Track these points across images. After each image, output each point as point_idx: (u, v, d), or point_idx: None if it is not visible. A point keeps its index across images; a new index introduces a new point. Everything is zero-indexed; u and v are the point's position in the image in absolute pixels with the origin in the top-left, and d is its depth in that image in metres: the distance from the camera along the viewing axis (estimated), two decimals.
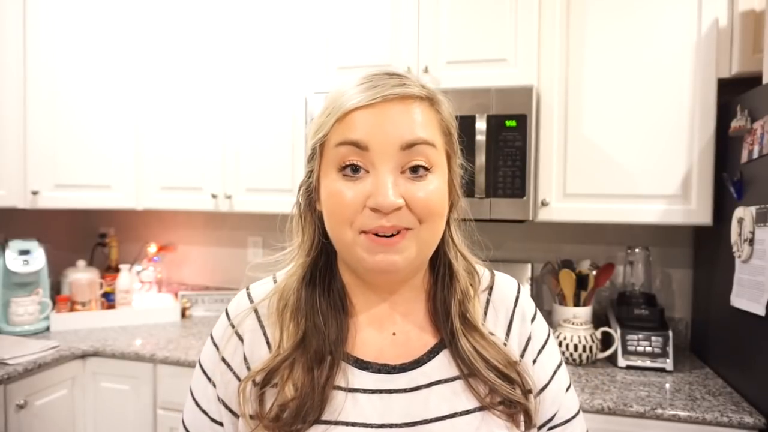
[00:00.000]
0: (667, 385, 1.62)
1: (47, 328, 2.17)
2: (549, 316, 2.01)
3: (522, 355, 0.71)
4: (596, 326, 1.87)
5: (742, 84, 1.67)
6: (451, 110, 0.68)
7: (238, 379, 0.68)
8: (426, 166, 0.62)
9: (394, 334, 0.69)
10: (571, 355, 1.79)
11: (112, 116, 2.26)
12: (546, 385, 0.72)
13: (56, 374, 1.90)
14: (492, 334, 0.70)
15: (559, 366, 0.75)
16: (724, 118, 1.66)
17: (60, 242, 2.51)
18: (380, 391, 0.65)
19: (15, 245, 2.16)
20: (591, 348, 1.80)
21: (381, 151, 0.61)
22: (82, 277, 2.30)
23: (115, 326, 2.26)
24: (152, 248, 2.60)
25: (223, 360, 0.69)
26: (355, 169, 0.61)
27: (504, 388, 0.65)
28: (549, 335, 0.76)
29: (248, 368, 0.67)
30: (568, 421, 0.74)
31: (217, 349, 0.71)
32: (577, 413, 0.76)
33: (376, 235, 0.61)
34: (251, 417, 0.64)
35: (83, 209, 2.32)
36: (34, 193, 2.10)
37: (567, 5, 1.82)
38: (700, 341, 1.92)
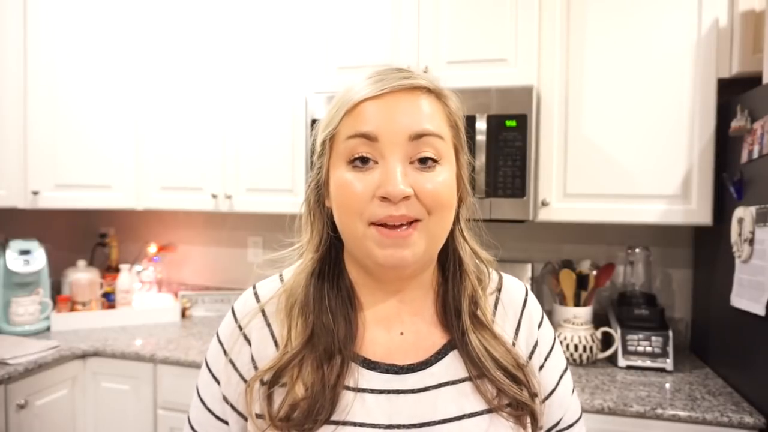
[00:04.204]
0: (667, 385, 1.63)
1: (47, 328, 2.17)
2: (549, 316, 1.99)
3: (529, 359, 0.71)
4: (596, 326, 1.87)
5: (742, 84, 1.67)
6: (459, 105, 0.68)
7: (244, 380, 0.67)
8: (434, 157, 0.62)
9: (402, 333, 0.69)
10: (572, 355, 1.79)
11: (112, 116, 2.26)
12: (553, 390, 0.73)
13: (56, 374, 1.90)
14: (502, 334, 0.70)
15: (564, 371, 0.76)
16: (724, 118, 1.66)
17: (60, 242, 2.51)
18: (388, 392, 0.64)
19: (15, 245, 2.16)
20: (591, 348, 1.80)
21: (390, 141, 0.61)
22: (82, 277, 2.30)
23: (116, 326, 2.26)
24: (152, 248, 2.60)
25: (230, 361, 0.69)
26: (365, 160, 0.62)
27: (512, 389, 0.65)
28: (555, 340, 0.76)
29: (256, 368, 0.67)
30: (572, 424, 0.75)
31: (223, 348, 0.71)
32: (581, 416, 0.76)
33: (386, 226, 0.61)
34: (258, 416, 0.64)
35: (83, 209, 2.32)
36: (35, 193, 2.10)
37: (567, 5, 1.82)
38: (700, 341, 1.92)
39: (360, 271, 0.69)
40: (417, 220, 0.61)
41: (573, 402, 0.76)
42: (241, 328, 0.70)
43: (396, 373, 0.66)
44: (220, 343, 0.72)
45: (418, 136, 0.61)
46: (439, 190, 0.62)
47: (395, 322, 0.69)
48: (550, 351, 0.74)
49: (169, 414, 1.93)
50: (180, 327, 2.29)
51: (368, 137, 0.61)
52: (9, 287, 2.14)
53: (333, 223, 0.68)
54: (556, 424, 0.73)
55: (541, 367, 0.72)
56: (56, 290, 2.39)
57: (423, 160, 0.62)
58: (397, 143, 0.61)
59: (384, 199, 0.60)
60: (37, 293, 2.18)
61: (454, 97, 0.68)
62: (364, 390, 0.64)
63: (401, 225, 0.61)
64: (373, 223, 0.61)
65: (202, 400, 0.72)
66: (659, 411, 1.45)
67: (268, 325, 0.69)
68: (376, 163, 0.62)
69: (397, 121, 0.61)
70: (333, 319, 0.66)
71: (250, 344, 0.69)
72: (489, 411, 0.65)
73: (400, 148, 0.61)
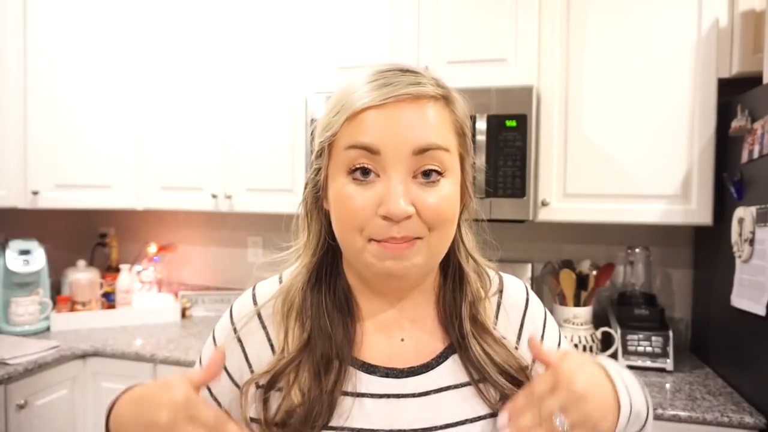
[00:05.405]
0: (668, 385, 1.62)
1: (47, 328, 2.17)
2: None
3: (533, 361, 0.69)
4: (596, 326, 1.87)
5: (742, 84, 1.67)
6: (466, 109, 0.65)
7: (235, 382, 0.67)
8: (439, 170, 0.60)
9: (402, 339, 0.68)
10: None
11: (112, 116, 2.26)
12: None
13: (56, 374, 1.90)
14: (503, 338, 0.69)
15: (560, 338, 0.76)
16: (725, 118, 1.66)
17: (60, 242, 2.51)
18: (388, 396, 0.64)
19: (15, 245, 2.16)
20: (591, 348, 1.80)
21: (393, 155, 0.58)
22: (82, 277, 2.30)
23: (116, 326, 2.26)
24: (152, 248, 2.60)
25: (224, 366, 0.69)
26: (366, 172, 0.59)
27: (514, 393, 0.63)
28: (560, 336, 0.76)
29: (251, 371, 0.66)
30: None
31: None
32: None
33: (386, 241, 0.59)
34: (253, 420, 0.63)
35: (83, 209, 2.32)
36: (35, 193, 2.10)
37: (567, 5, 1.82)
38: (701, 341, 1.92)
39: (358, 278, 0.68)
40: (418, 238, 0.60)
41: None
42: (236, 331, 0.69)
43: (396, 376, 0.65)
44: (215, 342, 0.72)
45: (423, 151, 0.58)
46: (441, 207, 0.60)
47: (395, 328, 0.68)
48: (558, 347, 0.74)
49: None
50: (180, 327, 2.29)
51: (370, 150, 0.58)
52: (9, 287, 2.14)
53: (330, 226, 0.66)
54: None
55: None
56: (56, 290, 2.38)
57: (426, 174, 0.59)
58: (400, 158, 0.58)
59: (385, 217, 0.58)
60: (37, 293, 2.18)
61: (462, 101, 0.65)
62: (363, 395, 0.63)
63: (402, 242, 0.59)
64: (372, 239, 0.60)
65: None
66: (659, 411, 1.45)
67: (264, 328, 0.68)
68: (378, 175, 0.59)
69: (401, 134, 0.58)
70: (330, 323, 0.65)
71: (243, 347, 0.68)
72: (492, 415, 0.64)
73: (403, 163, 0.58)
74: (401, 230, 0.58)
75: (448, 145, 0.61)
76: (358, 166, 0.59)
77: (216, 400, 0.69)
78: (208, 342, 0.73)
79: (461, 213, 0.67)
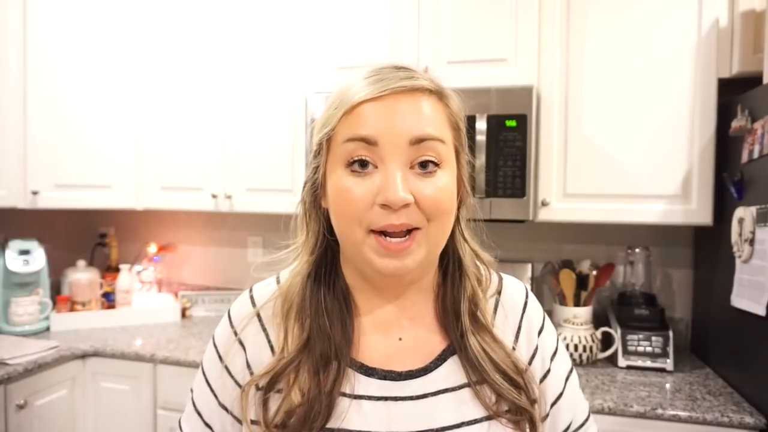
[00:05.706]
0: (668, 385, 1.62)
1: (47, 328, 2.17)
2: (549, 316, 1.98)
3: (529, 364, 0.70)
4: (596, 326, 1.87)
5: (742, 84, 1.67)
6: (460, 105, 0.66)
7: (239, 385, 0.67)
8: (435, 161, 0.61)
9: (400, 339, 0.68)
10: (572, 355, 1.79)
11: (112, 116, 2.26)
12: (561, 394, 0.72)
13: (56, 374, 1.90)
14: (501, 338, 0.68)
15: (570, 371, 0.75)
16: (725, 118, 1.66)
17: (60, 242, 2.51)
18: (385, 399, 0.63)
19: (15, 245, 2.16)
20: (591, 348, 1.80)
21: (390, 146, 0.59)
22: (82, 277, 2.30)
23: (115, 326, 2.26)
24: (152, 248, 2.60)
25: (225, 366, 0.69)
26: (364, 164, 0.60)
27: (511, 394, 0.64)
28: (558, 342, 0.75)
29: (251, 374, 0.66)
30: (583, 424, 0.74)
31: (219, 354, 0.70)
32: (589, 415, 0.76)
33: (386, 234, 0.60)
34: (253, 422, 0.63)
35: (83, 209, 2.32)
36: (34, 193, 2.10)
37: (567, 5, 1.82)
38: (701, 341, 1.92)
39: (357, 276, 0.68)
40: (416, 228, 0.60)
41: (581, 402, 0.75)
42: (236, 334, 0.69)
43: (394, 379, 0.65)
44: (216, 347, 0.71)
45: (419, 141, 0.60)
46: (439, 197, 0.60)
47: (394, 327, 0.68)
48: (554, 354, 0.73)
49: (169, 414, 1.93)
50: (180, 327, 2.29)
51: (368, 141, 0.59)
52: (9, 287, 2.14)
53: (329, 225, 0.66)
54: (567, 428, 0.72)
55: (547, 372, 0.71)
56: (56, 290, 2.38)
57: (423, 165, 0.60)
58: (397, 148, 0.59)
59: (384, 206, 0.58)
60: (37, 293, 2.18)
61: (456, 97, 0.66)
62: (360, 397, 0.63)
63: (401, 233, 0.60)
64: (372, 231, 0.60)
65: (199, 414, 0.71)
66: (659, 411, 1.45)
67: (264, 330, 0.68)
68: (376, 167, 0.60)
69: (398, 124, 0.59)
70: (329, 322, 0.65)
71: (245, 350, 0.68)
72: (488, 418, 0.64)
73: (401, 153, 0.59)
74: (400, 218, 0.59)
75: (443, 136, 0.62)
76: (356, 158, 0.60)
77: (223, 406, 0.69)
78: (210, 349, 0.72)
79: (459, 208, 0.68)
